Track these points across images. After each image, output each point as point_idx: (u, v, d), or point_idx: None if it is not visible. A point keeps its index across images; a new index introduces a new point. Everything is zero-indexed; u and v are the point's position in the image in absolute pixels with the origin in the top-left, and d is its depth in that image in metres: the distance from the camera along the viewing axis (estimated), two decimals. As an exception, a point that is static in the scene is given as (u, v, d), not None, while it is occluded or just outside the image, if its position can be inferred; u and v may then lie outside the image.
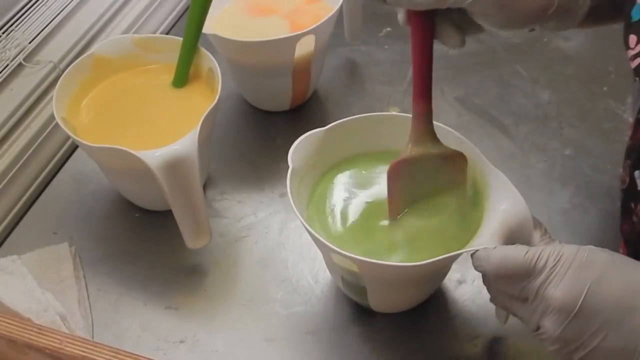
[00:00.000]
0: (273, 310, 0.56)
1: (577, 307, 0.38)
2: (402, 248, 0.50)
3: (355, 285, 0.51)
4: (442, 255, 0.45)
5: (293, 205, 0.48)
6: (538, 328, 0.41)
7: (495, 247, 0.43)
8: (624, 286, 0.39)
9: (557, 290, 0.39)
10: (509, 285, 0.42)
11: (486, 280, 0.45)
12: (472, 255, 0.44)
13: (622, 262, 0.40)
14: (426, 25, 0.46)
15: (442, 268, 0.51)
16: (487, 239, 0.45)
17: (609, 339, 0.38)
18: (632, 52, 0.44)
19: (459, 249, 0.46)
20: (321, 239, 0.46)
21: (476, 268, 0.44)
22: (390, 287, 0.51)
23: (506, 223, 0.45)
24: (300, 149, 0.52)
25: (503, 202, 0.46)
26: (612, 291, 0.39)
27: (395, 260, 0.48)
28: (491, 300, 0.46)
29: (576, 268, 0.39)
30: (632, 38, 0.45)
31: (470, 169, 0.51)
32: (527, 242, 0.44)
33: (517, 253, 0.41)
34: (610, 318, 0.38)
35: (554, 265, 0.40)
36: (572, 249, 0.40)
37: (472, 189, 0.51)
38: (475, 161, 0.50)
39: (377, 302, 0.53)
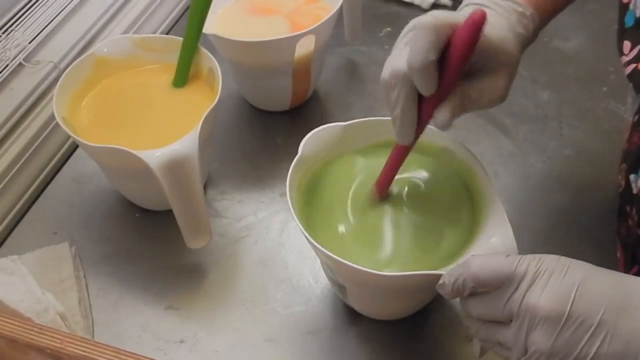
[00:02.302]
0: (273, 310, 0.56)
1: (567, 311, 0.35)
2: (393, 252, 0.49)
3: (337, 283, 0.51)
4: (416, 271, 0.44)
5: (288, 191, 0.48)
6: (526, 352, 0.38)
7: (472, 255, 0.41)
8: (614, 285, 0.36)
9: (542, 296, 0.36)
10: (491, 301, 0.39)
11: (465, 309, 0.42)
12: (438, 284, 0.42)
13: (605, 269, 0.38)
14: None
15: (421, 284, 0.48)
16: None
17: (607, 342, 0.35)
18: (626, 59, 0.44)
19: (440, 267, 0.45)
20: (303, 229, 0.46)
21: (451, 288, 0.41)
22: (366, 291, 0.50)
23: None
24: (314, 140, 0.52)
25: (494, 235, 0.45)
26: (602, 290, 0.36)
27: (378, 267, 0.47)
28: (471, 331, 0.43)
29: (560, 271, 0.37)
30: (626, 44, 0.44)
31: (478, 193, 0.50)
32: None
33: (496, 258, 0.39)
34: (605, 319, 0.35)
35: (536, 271, 0.37)
36: (553, 256, 0.38)
37: (471, 214, 0.50)
38: (483, 187, 0.50)
39: (357, 304, 0.53)
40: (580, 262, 0.38)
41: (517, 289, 0.38)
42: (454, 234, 0.49)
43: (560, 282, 0.36)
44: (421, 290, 0.51)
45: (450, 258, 0.47)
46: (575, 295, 0.36)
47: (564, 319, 0.36)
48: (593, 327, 0.35)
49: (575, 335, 0.36)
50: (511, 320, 0.38)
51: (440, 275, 0.43)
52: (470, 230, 0.49)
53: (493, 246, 0.45)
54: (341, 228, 0.50)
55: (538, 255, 0.38)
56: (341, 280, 0.49)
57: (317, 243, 0.45)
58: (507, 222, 0.45)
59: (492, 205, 0.47)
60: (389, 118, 0.48)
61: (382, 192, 0.51)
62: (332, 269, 0.48)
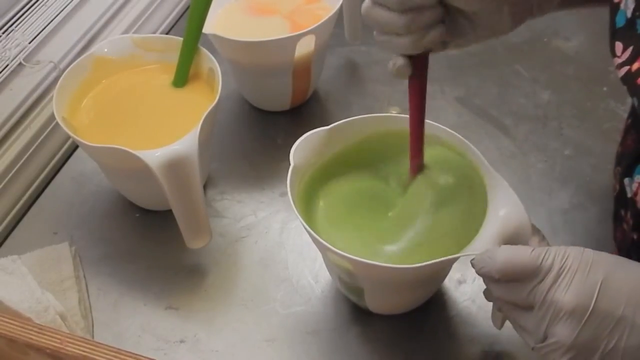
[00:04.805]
0: (273, 310, 0.56)
1: (591, 307, 0.37)
2: (403, 248, 0.49)
3: (352, 285, 0.51)
4: (439, 257, 0.45)
5: (292, 203, 0.48)
6: (545, 339, 0.39)
7: (500, 247, 0.42)
8: (634, 281, 0.38)
9: (568, 293, 0.38)
10: (514, 289, 0.40)
11: (488, 288, 0.44)
12: (472, 260, 0.44)
13: (626, 261, 0.39)
14: (422, 74, 0.47)
15: (440, 270, 0.51)
16: (484, 243, 0.44)
17: (625, 337, 0.37)
18: (618, 60, 0.43)
19: (457, 251, 0.46)
20: (318, 237, 0.46)
21: (478, 271, 0.43)
22: (386, 288, 0.50)
23: (504, 228, 0.45)
24: (302, 147, 0.52)
25: (502, 208, 0.46)
26: (623, 287, 0.38)
27: (394, 261, 0.48)
28: (492, 304, 0.45)
29: (584, 269, 0.38)
30: (618, 45, 0.43)
31: (472, 172, 0.51)
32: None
33: (522, 252, 0.40)
34: (625, 315, 0.37)
35: (561, 266, 0.39)
36: (577, 249, 0.39)
37: (473, 192, 0.51)
38: (477, 164, 0.50)
39: (374, 303, 0.53)
40: (603, 255, 0.39)
41: (541, 281, 0.39)
42: (462, 215, 0.50)
43: (585, 280, 0.38)
44: (439, 276, 0.52)
45: (465, 238, 0.47)
46: (598, 293, 0.37)
47: (587, 315, 0.37)
48: (613, 323, 0.37)
49: (596, 330, 0.38)
50: (532, 308, 0.40)
51: (456, 258, 0.45)
52: (477, 207, 0.49)
53: (504, 218, 0.45)
54: (350, 228, 0.51)
55: (562, 250, 0.40)
56: (361, 282, 0.49)
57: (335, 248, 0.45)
58: (511, 190, 0.46)
59: (491, 179, 0.48)
60: (374, 115, 0.52)
61: (416, 164, 0.51)
62: (352, 272, 0.47)
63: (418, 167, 0.51)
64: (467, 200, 0.50)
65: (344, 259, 0.45)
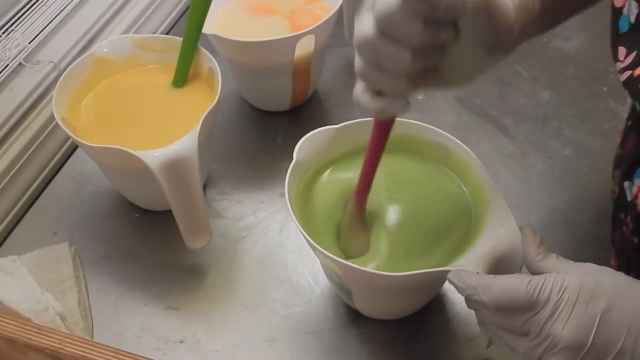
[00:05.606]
0: (273, 310, 0.56)
1: (589, 342, 0.36)
2: (397, 254, 0.49)
3: (342, 287, 0.51)
4: (429, 268, 0.44)
5: (288, 198, 0.48)
6: None
7: (494, 277, 0.40)
8: (635, 309, 0.37)
9: (567, 327, 0.37)
10: (508, 318, 0.39)
11: (480, 312, 0.43)
12: (450, 277, 0.42)
13: (629, 284, 0.38)
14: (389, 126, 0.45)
15: (429, 281, 0.49)
16: (472, 260, 0.44)
17: None
18: (621, 65, 0.43)
19: (448, 263, 0.45)
20: (307, 235, 0.46)
21: (469, 296, 0.41)
22: (372, 293, 0.50)
23: (496, 249, 0.44)
24: (307, 144, 0.52)
25: (499, 228, 0.45)
26: (624, 318, 0.37)
27: (386, 267, 0.48)
28: (479, 325, 0.44)
29: (584, 301, 0.37)
30: (621, 50, 0.43)
31: (477, 187, 0.51)
32: (514, 272, 0.43)
33: (518, 284, 0.39)
34: (624, 346, 0.36)
35: (558, 299, 0.37)
36: (576, 278, 0.38)
37: (473, 208, 0.50)
38: (481, 181, 0.50)
39: (363, 306, 0.53)
40: (604, 280, 0.38)
41: (536, 313, 0.38)
42: (457, 229, 0.49)
43: (584, 313, 0.37)
44: (429, 287, 0.51)
45: (456, 252, 0.47)
46: (597, 327, 0.37)
47: (585, 350, 0.37)
48: (613, 354, 0.36)
49: None
50: (526, 335, 0.39)
51: (442, 271, 0.43)
52: (474, 222, 0.49)
53: (500, 239, 0.45)
54: (343, 231, 0.51)
55: (560, 280, 0.38)
56: (348, 284, 0.49)
57: (323, 249, 0.45)
58: (510, 214, 0.45)
59: (493, 196, 0.48)
60: None
61: (362, 199, 0.49)
62: (340, 273, 0.47)
63: (362, 202, 0.49)
64: (466, 212, 0.50)
65: (330, 260, 0.45)
